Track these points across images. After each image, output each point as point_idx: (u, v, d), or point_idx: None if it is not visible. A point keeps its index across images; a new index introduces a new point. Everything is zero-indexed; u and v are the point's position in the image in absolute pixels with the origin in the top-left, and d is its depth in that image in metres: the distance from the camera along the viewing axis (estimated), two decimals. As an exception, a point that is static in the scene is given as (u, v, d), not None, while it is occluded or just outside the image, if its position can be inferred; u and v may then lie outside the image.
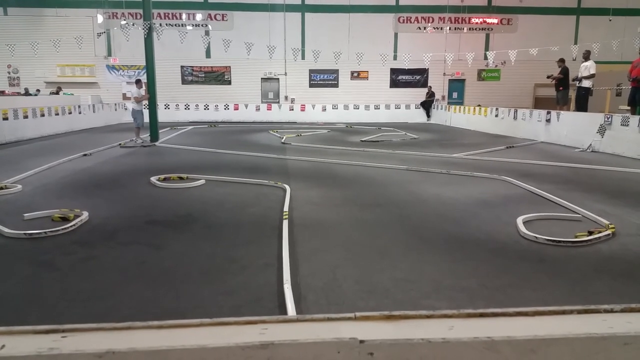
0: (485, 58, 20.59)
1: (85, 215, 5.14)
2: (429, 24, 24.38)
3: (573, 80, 13.90)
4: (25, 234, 4.54)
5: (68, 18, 22.50)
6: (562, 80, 14.16)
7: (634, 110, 11.84)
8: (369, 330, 0.98)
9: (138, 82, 13.29)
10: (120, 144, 12.46)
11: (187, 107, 23.37)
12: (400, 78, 24.67)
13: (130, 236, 4.68)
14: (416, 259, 4.03)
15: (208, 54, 23.81)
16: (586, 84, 13.21)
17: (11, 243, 4.41)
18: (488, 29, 24.58)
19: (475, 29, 24.58)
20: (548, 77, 14.71)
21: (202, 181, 7.27)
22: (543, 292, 3.38)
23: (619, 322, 1.01)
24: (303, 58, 22.41)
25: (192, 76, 24.18)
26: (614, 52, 17.62)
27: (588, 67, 13.04)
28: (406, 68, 22.83)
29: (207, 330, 0.98)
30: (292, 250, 4.10)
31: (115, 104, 22.16)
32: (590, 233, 4.51)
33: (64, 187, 7.08)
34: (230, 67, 23.97)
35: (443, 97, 24.67)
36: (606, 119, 11.12)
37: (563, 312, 1.06)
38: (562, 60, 14.24)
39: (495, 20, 24.45)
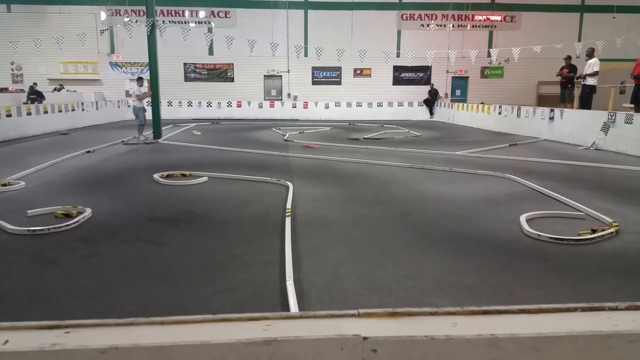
0: (489, 55, 20.47)
1: (88, 212, 5.16)
2: (432, 21, 24.29)
3: (577, 78, 13.85)
4: (28, 230, 4.56)
5: (71, 15, 22.50)
6: (571, 78, 14.09)
7: (637, 108, 11.78)
8: (372, 327, 0.97)
9: (139, 79, 13.28)
10: (123, 141, 12.48)
11: (190, 104, 23.37)
12: (403, 75, 24.61)
13: (133, 233, 4.68)
14: (419, 257, 4.03)
15: (211, 51, 23.79)
16: (590, 81, 13.14)
17: (14, 239, 4.43)
18: (491, 26, 24.47)
19: (479, 26, 24.49)
20: (558, 74, 14.55)
21: (205, 178, 7.28)
22: (546, 290, 3.37)
23: (623, 319, 1.00)
24: (306, 55, 22.36)
25: (195, 73, 24.18)
26: (618, 50, 17.51)
27: (592, 65, 12.97)
28: (409, 65, 22.77)
29: (210, 326, 0.98)
30: (294, 247, 4.10)
31: (119, 101, 22.19)
32: (594, 231, 4.50)
33: (66, 184, 7.10)
34: (233, 64, 23.95)
35: (446, 95, 24.61)
36: (610, 117, 11.07)
37: (567, 310, 1.06)
38: (569, 58, 14.21)
39: (498, 18, 24.35)
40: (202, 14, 23.59)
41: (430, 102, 23.71)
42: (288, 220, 4.85)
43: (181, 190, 6.69)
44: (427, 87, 23.96)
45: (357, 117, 22.85)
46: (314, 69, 24.11)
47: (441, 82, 24.41)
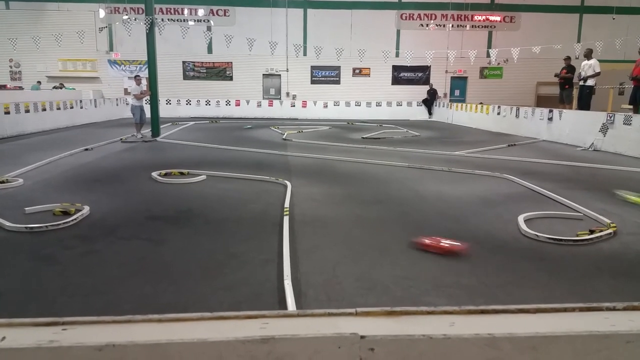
0: (488, 56, 20.49)
1: (86, 209, 5.14)
2: (432, 21, 24.29)
3: (579, 79, 13.87)
4: (26, 227, 4.55)
5: (70, 12, 22.46)
6: (569, 79, 14.13)
7: (636, 109, 11.79)
8: (369, 325, 0.97)
9: (136, 77, 13.22)
10: (121, 139, 12.46)
11: (188, 103, 23.34)
12: (402, 75, 24.61)
13: (131, 231, 4.68)
14: (416, 257, 4.03)
15: (210, 50, 23.76)
16: (590, 82, 13.17)
17: (12, 237, 4.42)
18: (491, 27, 24.49)
19: (478, 26, 24.49)
20: (556, 75, 14.58)
21: (203, 177, 7.27)
22: (544, 290, 3.37)
23: (621, 320, 1.00)
24: (305, 54, 22.34)
25: (194, 72, 24.15)
26: (617, 51, 17.53)
27: (592, 66, 12.98)
28: (408, 65, 22.77)
29: (207, 324, 0.98)
30: (292, 246, 4.09)
31: (117, 99, 22.15)
32: (592, 232, 4.51)
33: (65, 181, 7.09)
34: (231, 62, 23.92)
35: (445, 95, 24.61)
36: (608, 118, 11.08)
37: (565, 310, 1.06)
38: (569, 58, 14.25)
39: (498, 18, 24.36)
40: (201, 12, 23.55)
41: (429, 102, 23.71)
42: (286, 219, 4.85)
43: (179, 188, 6.68)
44: (426, 87, 23.97)
45: (356, 117, 22.84)
46: (312, 68, 24.10)
47: (440, 82, 24.41)
